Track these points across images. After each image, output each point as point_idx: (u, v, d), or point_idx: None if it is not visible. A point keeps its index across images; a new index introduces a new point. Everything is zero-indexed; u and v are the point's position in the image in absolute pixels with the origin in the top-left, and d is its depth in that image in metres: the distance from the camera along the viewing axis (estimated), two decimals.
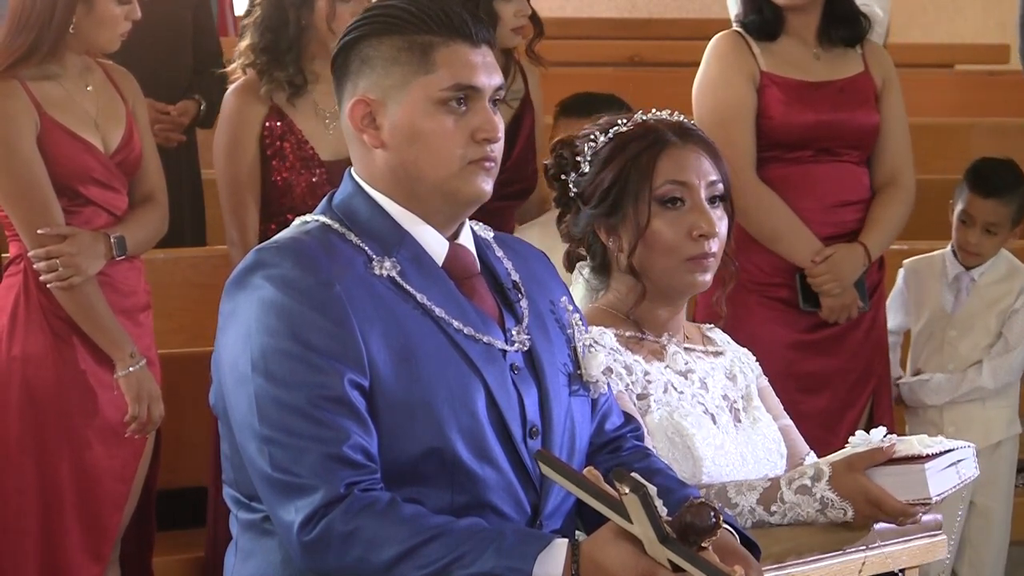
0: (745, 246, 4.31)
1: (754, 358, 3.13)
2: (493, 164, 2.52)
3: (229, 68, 4.58)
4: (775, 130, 4.52)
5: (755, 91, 4.53)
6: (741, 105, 4.51)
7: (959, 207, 4.94)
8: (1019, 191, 4.93)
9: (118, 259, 4.25)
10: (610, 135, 2.96)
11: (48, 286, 4.16)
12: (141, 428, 4.23)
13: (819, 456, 3.01)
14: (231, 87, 4.54)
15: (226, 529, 4.44)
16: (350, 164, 4.76)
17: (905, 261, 5.10)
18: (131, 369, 4.20)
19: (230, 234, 4.52)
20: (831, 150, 4.56)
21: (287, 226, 4.35)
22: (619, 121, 2.98)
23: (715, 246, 2.93)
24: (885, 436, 2.88)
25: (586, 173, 2.97)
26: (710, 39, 4.66)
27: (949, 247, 5.01)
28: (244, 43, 4.51)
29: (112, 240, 4.21)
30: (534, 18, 4.80)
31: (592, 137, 2.97)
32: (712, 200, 2.94)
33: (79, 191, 4.21)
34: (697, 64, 4.64)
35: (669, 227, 2.91)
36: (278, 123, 4.46)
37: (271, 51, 4.44)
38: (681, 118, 2.99)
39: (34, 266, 4.16)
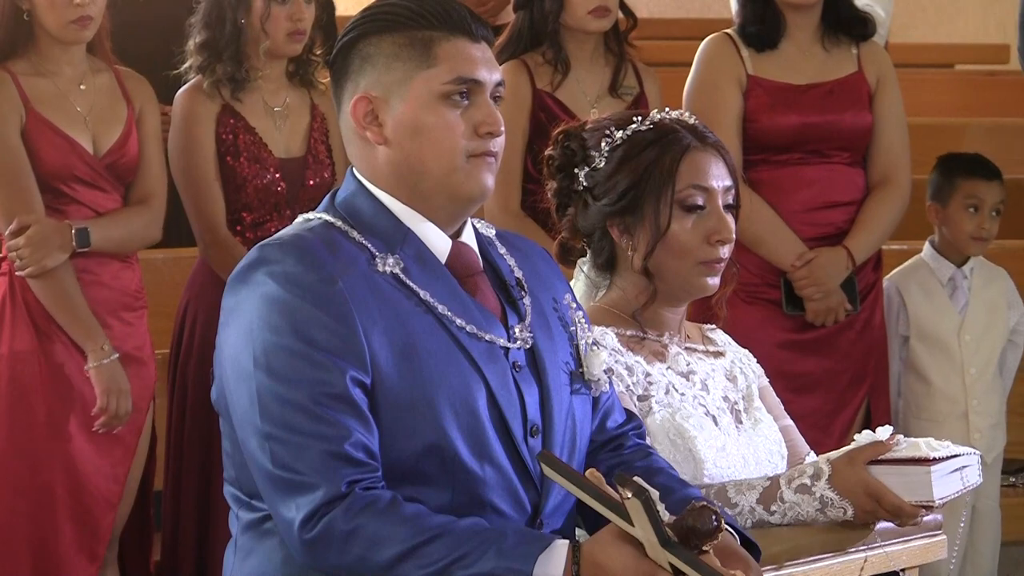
0: (735, 247, 4.30)
1: (755, 359, 3.13)
2: (494, 159, 2.53)
3: (180, 70, 4.55)
4: (761, 133, 4.53)
5: (741, 95, 4.54)
6: (726, 109, 4.52)
7: (959, 199, 4.87)
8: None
9: (108, 257, 4.25)
10: (628, 132, 2.94)
11: (17, 274, 4.17)
12: (109, 422, 4.22)
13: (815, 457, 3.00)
14: (180, 89, 4.54)
15: (175, 533, 4.47)
16: (301, 162, 4.77)
17: (891, 274, 4.98)
18: (103, 362, 4.20)
19: (201, 236, 4.49)
20: (820, 152, 4.56)
21: (243, 227, 4.42)
22: (635, 118, 2.96)
23: (727, 251, 2.94)
24: (893, 435, 2.87)
25: (599, 168, 2.95)
26: None
27: (927, 250, 4.96)
28: (190, 44, 4.52)
29: (73, 231, 4.19)
30: (625, 8, 4.66)
31: (607, 132, 2.96)
32: (726, 205, 2.94)
33: (61, 189, 4.22)
34: None
35: (688, 231, 2.91)
36: (231, 120, 4.47)
37: (210, 47, 4.47)
38: (694, 120, 2.98)
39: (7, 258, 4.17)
